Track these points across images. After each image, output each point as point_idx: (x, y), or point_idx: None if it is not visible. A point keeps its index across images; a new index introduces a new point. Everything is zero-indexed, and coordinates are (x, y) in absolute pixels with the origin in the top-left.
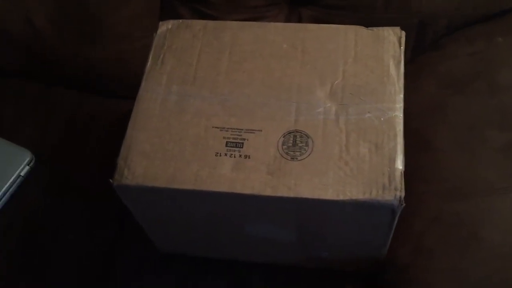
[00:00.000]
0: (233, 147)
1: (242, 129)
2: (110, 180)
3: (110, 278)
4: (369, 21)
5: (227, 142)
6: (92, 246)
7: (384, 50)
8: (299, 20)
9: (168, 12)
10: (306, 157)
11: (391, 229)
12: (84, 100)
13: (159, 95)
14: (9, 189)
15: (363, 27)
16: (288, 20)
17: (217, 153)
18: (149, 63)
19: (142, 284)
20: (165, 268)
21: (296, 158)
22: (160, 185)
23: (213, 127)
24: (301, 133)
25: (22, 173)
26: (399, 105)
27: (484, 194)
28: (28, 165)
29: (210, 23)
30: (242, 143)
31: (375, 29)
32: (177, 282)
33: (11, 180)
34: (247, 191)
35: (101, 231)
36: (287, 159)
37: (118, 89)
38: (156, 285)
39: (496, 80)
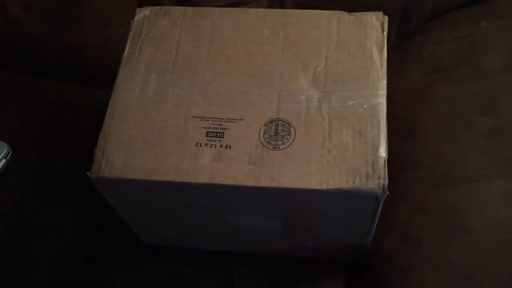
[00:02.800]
0: (213, 137)
1: (223, 119)
2: (87, 173)
3: (95, 272)
4: (353, 6)
5: (207, 132)
6: (75, 240)
7: (367, 35)
8: (282, 6)
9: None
10: (289, 146)
11: (375, 217)
12: (66, 89)
13: (137, 84)
14: None
15: (345, 12)
16: (270, 5)
17: (198, 143)
18: (126, 52)
19: (129, 278)
20: (152, 261)
21: (278, 147)
22: (139, 177)
23: (193, 116)
24: (283, 121)
25: None
26: (382, 92)
27: (470, 180)
28: (5, 158)
29: (189, 10)
30: (223, 132)
31: (357, 14)
32: (168, 276)
33: None
34: (228, 181)
35: (85, 225)
36: (269, 148)
37: (101, 77)
38: (145, 279)
39: (481, 65)
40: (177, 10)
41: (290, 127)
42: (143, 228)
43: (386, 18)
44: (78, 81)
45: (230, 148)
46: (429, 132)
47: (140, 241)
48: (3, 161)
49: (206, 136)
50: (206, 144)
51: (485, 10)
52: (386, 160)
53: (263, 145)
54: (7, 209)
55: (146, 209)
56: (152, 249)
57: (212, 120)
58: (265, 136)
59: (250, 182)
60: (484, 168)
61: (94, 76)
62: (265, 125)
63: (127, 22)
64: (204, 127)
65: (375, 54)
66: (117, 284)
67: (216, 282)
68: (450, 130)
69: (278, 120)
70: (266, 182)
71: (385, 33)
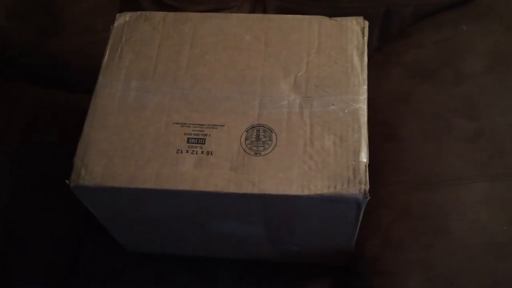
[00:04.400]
0: (195, 143)
1: (204, 125)
2: (66, 181)
3: (78, 279)
4: (336, 11)
5: (188, 138)
6: (57, 246)
7: (347, 40)
8: (264, 10)
9: (130, 4)
10: (270, 152)
11: (357, 222)
12: (47, 95)
13: (117, 91)
14: None
15: (326, 17)
16: (253, 10)
17: (179, 150)
18: (106, 57)
19: (112, 284)
20: (135, 267)
21: (260, 153)
22: (120, 185)
23: (174, 123)
24: (264, 127)
25: None
26: (363, 96)
27: (452, 183)
28: None
29: (170, 15)
30: (204, 139)
31: (338, 19)
32: (153, 280)
33: None
34: (210, 188)
35: (67, 231)
36: (250, 154)
37: (82, 82)
38: (128, 284)
39: (462, 69)
40: (158, 15)
41: (272, 132)
42: (124, 236)
43: (367, 23)
44: (60, 87)
45: (211, 154)
46: (410, 135)
47: (121, 248)
48: None
49: (187, 142)
50: (187, 151)
51: (465, 14)
52: (367, 165)
53: (245, 151)
54: None
55: (127, 216)
56: (135, 255)
57: (193, 127)
58: (247, 142)
59: (231, 188)
60: (465, 171)
61: (76, 82)
62: (247, 131)
63: (108, 28)
64: (185, 134)
65: (356, 59)
66: None
67: (198, 284)
68: (431, 133)
69: (260, 126)
70: (247, 188)
71: (366, 38)
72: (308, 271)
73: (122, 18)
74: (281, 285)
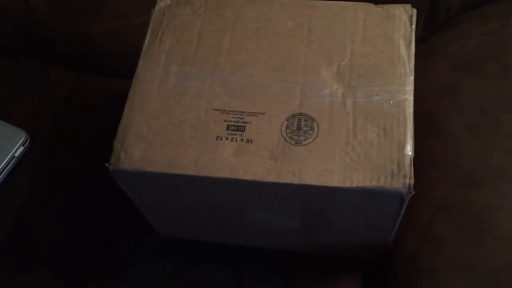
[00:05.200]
0: (234, 130)
1: (244, 112)
2: (106, 164)
3: (102, 266)
4: None
5: (228, 125)
6: (86, 232)
7: (394, 29)
8: None
9: None
10: (311, 141)
11: (398, 216)
12: (81, 78)
13: (157, 75)
14: (3, 170)
15: (372, 4)
16: None
17: (218, 137)
18: (146, 42)
19: (139, 271)
20: (163, 255)
21: (301, 143)
22: (159, 170)
23: (213, 109)
24: (306, 116)
25: (17, 154)
26: (410, 87)
27: (497, 180)
28: (23, 145)
29: None
30: (244, 126)
31: (385, 6)
32: (175, 269)
33: (5, 161)
34: (249, 177)
35: (96, 217)
36: (291, 143)
37: (117, 67)
38: (154, 272)
39: (510, 62)
40: None
41: (313, 122)
42: (159, 220)
43: (415, 11)
44: (95, 71)
45: (251, 142)
46: (455, 130)
47: (147, 235)
48: (21, 148)
49: (227, 129)
50: (227, 138)
51: None
52: (412, 159)
53: (285, 140)
54: (22, 198)
55: (164, 202)
56: (163, 241)
57: (233, 114)
58: (287, 131)
59: (271, 178)
60: (510, 169)
61: (110, 65)
62: (287, 120)
63: (145, 12)
64: (224, 120)
65: (403, 49)
66: (125, 277)
67: (226, 274)
68: (477, 128)
69: (301, 115)
70: (287, 178)
71: (413, 26)
72: (337, 264)
73: (163, 2)
74: (309, 276)
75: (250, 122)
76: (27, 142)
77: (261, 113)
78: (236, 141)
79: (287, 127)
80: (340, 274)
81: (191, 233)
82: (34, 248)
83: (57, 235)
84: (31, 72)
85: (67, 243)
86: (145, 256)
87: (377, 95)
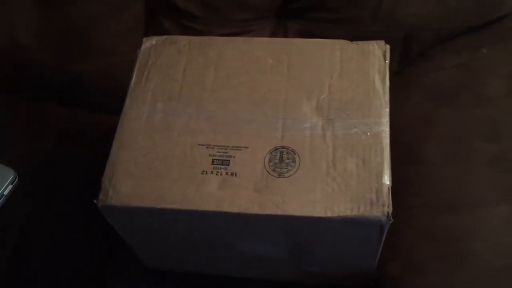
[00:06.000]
0: (219, 164)
1: (228, 146)
2: (95, 201)
3: None
4: (356, 34)
5: (213, 159)
6: (81, 265)
7: (369, 64)
8: (285, 34)
9: (154, 27)
10: (293, 173)
11: (380, 244)
12: (74, 115)
13: (144, 113)
14: None
15: (348, 41)
16: (274, 33)
17: (204, 171)
18: (133, 80)
19: None
20: (154, 283)
21: (283, 175)
22: (146, 205)
23: (199, 144)
24: (287, 149)
25: (5, 192)
26: (385, 119)
27: (474, 207)
28: (11, 184)
29: (195, 39)
30: (229, 160)
31: (360, 43)
32: None
33: None
34: (234, 209)
35: (91, 250)
36: (274, 176)
37: (109, 103)
38: None
39: (483, 92)
40: (183, 39)
41: (295, 154)
42: (147, 253)
43: (388, 46)
44: (84, 107)
45: (235, 175)
46: (432, 158)
47: (141, 270)
48: (10, 187)
49: (212, 163)
50: (212, 172)
51: (484, 38)
52: (390, 188)
53: (268, 172)
54: (14, 234)
55: (152, 235)
56: (158, 273)
57: (217, 148)
58: (270, 163)
59: (255, 209)
60: (487, 195)
61: (101, 102)
62: (270, 153)
63: (134, 51)
64: (210, 155)
65: (378, 82)
66: None
67: None
68: (453, 156)
69: (283, 148)
70: (271, 209)
71: (387, 61)
72: None
73: (149, 42)
74: None
75: (234, 156)
76: (16, 181)
77: (245, 147)
78: (221, 174)
79: (270, 160)
80: None
81: (178, 266)
82: (28, 284)
83: (52, 273)
84: (24, 109)
85: (61, 277)
86: (139, 284)
87: (355, 127)
